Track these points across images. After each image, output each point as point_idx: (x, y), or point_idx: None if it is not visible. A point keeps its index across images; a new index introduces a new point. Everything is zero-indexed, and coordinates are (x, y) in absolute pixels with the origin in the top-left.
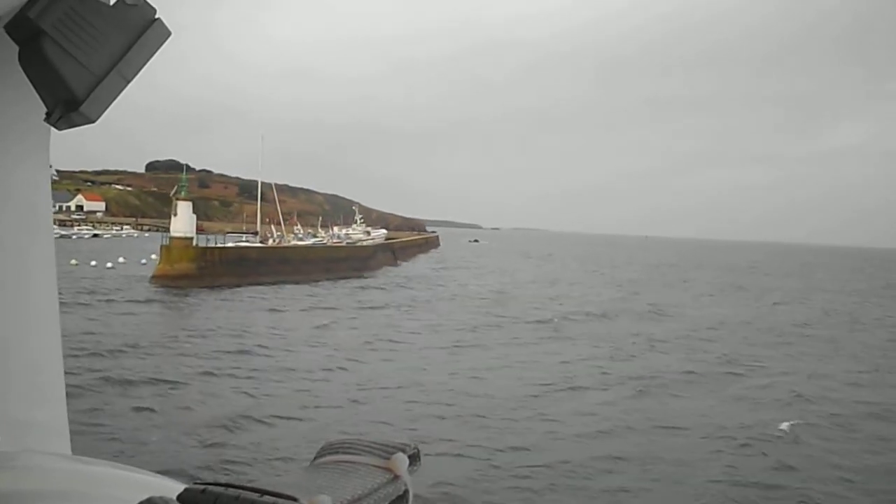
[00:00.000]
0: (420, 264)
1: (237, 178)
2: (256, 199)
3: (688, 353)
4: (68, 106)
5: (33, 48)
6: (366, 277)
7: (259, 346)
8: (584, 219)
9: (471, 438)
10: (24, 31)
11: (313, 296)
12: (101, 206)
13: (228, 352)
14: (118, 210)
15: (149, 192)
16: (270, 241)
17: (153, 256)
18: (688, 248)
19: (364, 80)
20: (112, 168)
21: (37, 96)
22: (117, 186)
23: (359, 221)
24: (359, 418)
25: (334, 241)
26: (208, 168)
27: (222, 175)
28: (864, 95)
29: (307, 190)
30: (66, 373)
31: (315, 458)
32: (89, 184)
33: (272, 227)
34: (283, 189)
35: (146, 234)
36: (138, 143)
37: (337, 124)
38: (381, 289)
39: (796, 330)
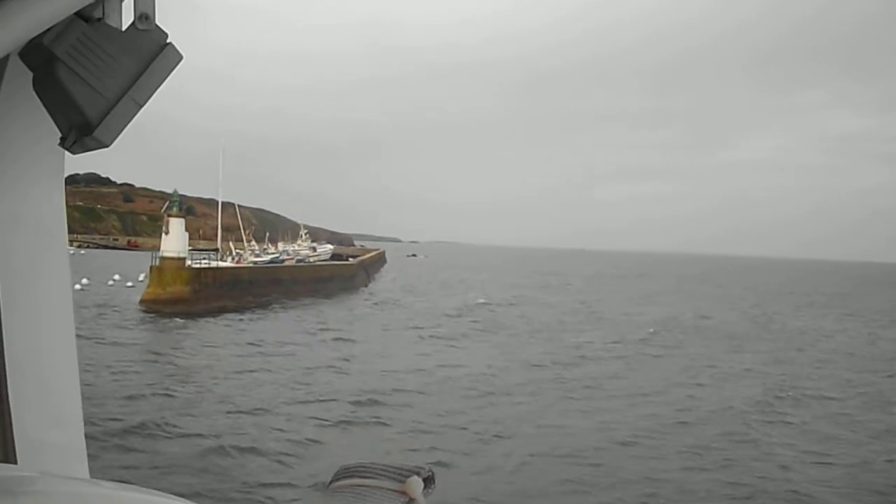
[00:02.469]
0: (398, 279)
1: (161, 192)
2: (185, 214)
3: None
4: (82, 131)
5: (47, 74)
6: (351, 294)
7: None
8: (508, 232)
9: None
10: (38, 57)
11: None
12: None
13: None
14: None
15: (74, 206)
16: (229, 260)
17: (116, 277)
18: (613, 260)
19: (280, 92)
20: None
21: (51, 121)
22: None
23: (304, 237)
24: None
25: (286, 257)
26: (129, 182)
27: (146, 189)
28: (771, 110)
29: (233, 204)
30: None
31: (331, 483)
32: None
33: (231, 244)
34: (211, 203)
35: (82, 252)
36: None
37: (252, 137)
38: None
39: None
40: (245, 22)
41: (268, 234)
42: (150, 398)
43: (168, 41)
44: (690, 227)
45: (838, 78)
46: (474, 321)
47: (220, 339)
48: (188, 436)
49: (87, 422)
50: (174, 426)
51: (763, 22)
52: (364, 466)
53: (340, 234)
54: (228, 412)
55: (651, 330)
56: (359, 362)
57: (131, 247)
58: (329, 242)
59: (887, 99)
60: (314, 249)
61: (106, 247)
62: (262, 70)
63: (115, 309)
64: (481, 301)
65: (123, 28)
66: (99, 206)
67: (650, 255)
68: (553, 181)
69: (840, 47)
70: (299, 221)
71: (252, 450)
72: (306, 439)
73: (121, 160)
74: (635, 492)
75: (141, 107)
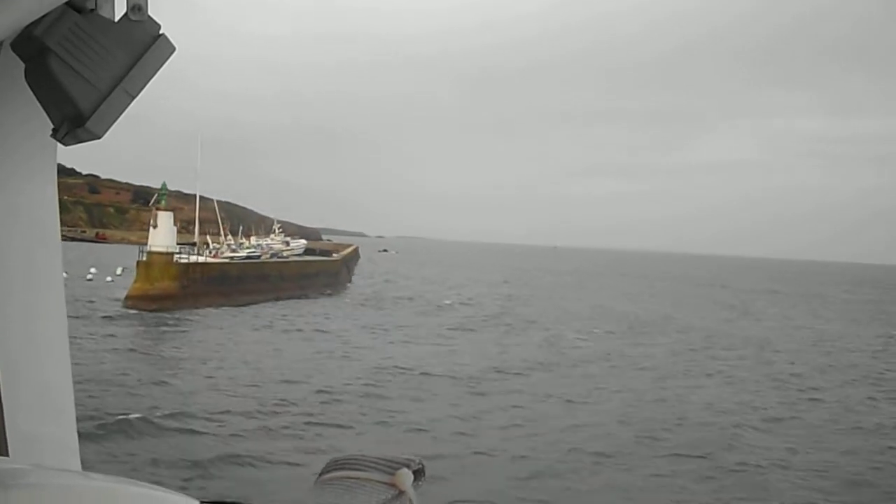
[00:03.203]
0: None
1: (128, 183)
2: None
3: None
4: (74, 122)
5: (39, 65)
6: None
7: None
8: (479, 227)
9: None
10: (30, 48)
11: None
12: None
13: None
14: None
15: None
16: (206, 254)
17: (93, 270)
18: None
19: (261, 82)
20: None
21: (43, 113)
22: None
23: (277, 231)
24: None
25: (261, 251)
26: (95, 172)
27: (111, 180)
28: (769, 109)
29: (200, 197)
30: None
31: (321, 475)
32: None
33: (208, 237)
34: (179, 196)
35: None
36: None
37: (223, 127)
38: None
39: None
40: (237, 9)
41: (241, 228)
42: None
43: (161, 32)
44: (682, 227)
45: (838, 77)
46: (476, 325)
47: None
48: None
49: None
50: None
51: (761, 19)
52: (355, 459)
53: (308, 228)
54: None
55: (630, 327)
56: None
57: (100, 239)
58: (294, 236)
59: (886, 99)
60: (287, 244)
61: (74, 239)
62: (239, 54)
63: (119, 307)
64: (475, 302)
65: (116, 19)
66: (66, 196)
67: (644, 254)
68: (540, 176)
69: (839, 46)
70: (267, 215)
71: None
72: None
73: (80, 149)
74: None
75: (133, 98)
